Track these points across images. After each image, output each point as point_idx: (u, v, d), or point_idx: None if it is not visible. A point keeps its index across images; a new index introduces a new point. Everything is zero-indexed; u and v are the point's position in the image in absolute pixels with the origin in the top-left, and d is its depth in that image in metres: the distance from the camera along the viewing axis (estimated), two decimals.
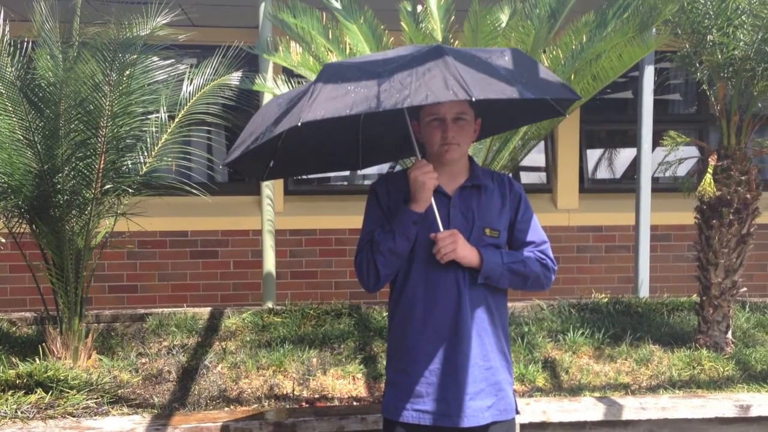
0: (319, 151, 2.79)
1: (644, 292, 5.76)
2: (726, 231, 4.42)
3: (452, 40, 4.61)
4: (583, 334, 4.59)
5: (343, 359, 4.28)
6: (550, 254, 2.52)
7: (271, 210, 5.59)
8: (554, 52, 4.49)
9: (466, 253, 2.36)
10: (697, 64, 4.40)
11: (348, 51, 4.71)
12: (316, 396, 3.84)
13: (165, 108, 4.44)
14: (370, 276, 2.42)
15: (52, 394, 3.61)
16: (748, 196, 4.39)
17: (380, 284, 2.44)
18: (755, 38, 4.04)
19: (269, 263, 5.56)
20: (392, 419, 2.46)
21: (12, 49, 4.04)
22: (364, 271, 2.43)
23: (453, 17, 4.67)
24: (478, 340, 2.41)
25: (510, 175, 2.87)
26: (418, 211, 2.36)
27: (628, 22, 4.28)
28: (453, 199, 2.45)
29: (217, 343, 4.53)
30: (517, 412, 2.53)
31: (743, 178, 4.38)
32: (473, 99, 2.01)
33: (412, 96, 2.06)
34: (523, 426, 3.44)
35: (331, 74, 2.26)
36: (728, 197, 4.37)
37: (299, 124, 2.09)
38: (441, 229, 2.36)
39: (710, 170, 4.32)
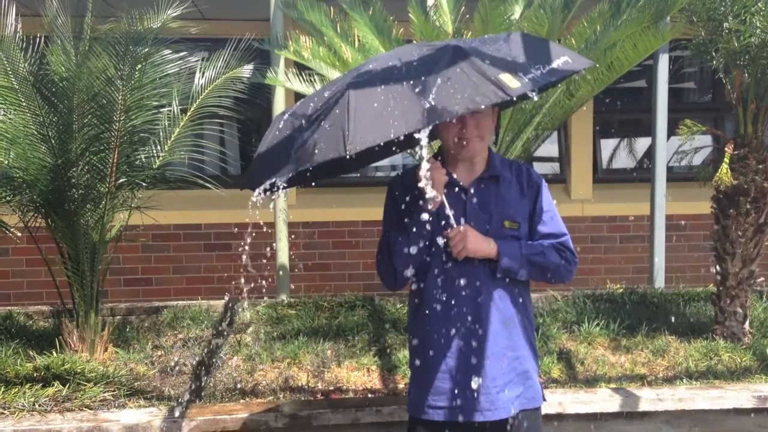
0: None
1: (660, 282, 5.72)
2: (743, 220, 4.37)
3: (464, 32, 4.57)
4: (598, 325, 4.57)
5: (358, 351, 4.28)
6: (571, 247, 2.47)
7: (284, 202, 5.59)
8: (568, 43, 4.44)
9: (479, 247, 2.34)
10: (713, 52, 4.34)
11: (357, 44, 4.68)
12: (331, 388, 3.85)
13: (177, 101, 4.44)
14: (389, 276, 2.43)
15: (69, 387, 3.63)
16: (766, 185, 4.34)
17: (400, 284, 2.44)
18: None
19: (283, 256, 5.57)
20: (417, 417, 2.43)
21: (24, 44, 4.06)
22: (383, 272, 2.44)
23: (463, 8, 4.63)
24: (505, 331, 2.38)
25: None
26: (431, 206, 2.34)
27: (642, 11, 4.23)
28: (470, 192, 2.42)
29: (232, 336, 4.55)
30: (544, 399, 2.51)
31: (760, 166, 4.33)
32: (347, 156, 2.03)
33: (317, 157, 2.13)
34: None
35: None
36: (745, 186, 4.32)
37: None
38: (454, 225, 2.34)
39: (727, 159, 4.28)
